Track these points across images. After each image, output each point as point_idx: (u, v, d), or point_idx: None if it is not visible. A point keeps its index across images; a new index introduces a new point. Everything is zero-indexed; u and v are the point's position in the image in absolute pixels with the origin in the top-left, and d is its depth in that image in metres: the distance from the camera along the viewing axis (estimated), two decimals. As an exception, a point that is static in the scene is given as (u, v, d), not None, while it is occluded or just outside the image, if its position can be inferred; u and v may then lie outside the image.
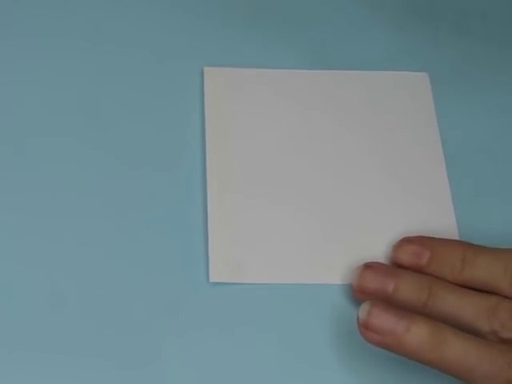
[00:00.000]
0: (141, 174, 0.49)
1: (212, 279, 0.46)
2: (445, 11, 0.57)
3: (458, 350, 0.41)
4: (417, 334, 0.41)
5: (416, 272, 0.45)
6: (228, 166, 0.49)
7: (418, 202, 0.49)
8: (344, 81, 0.53)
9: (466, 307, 0.43)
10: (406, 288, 0.44)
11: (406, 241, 0.46)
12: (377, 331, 0.42)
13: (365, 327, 0.42)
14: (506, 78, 0.54)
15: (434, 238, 0.46)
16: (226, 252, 0.47)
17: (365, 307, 0.43)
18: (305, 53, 0.54)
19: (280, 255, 0.47)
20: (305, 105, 0.52)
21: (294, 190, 0.49)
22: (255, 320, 0.45)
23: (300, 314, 0.46)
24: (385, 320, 0.42)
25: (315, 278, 0.47)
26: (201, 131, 0.51)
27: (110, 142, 0.50)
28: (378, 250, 0.47)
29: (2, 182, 0.48)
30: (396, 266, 0.46)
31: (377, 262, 0.46)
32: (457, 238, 0.48)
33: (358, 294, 0.45)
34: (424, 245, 0.46)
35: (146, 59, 0.53)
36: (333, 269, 0.47)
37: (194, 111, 0.51)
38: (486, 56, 0.55)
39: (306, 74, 0.53)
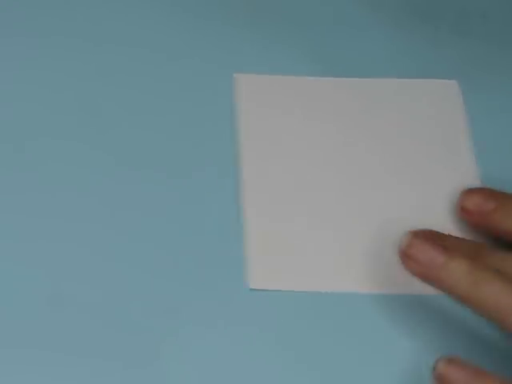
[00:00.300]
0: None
1: (252, 286, 0.46)
2: (445, 11, 0.56)
3: (495, 290, 0.40)
4: (455, 269, 0.41)
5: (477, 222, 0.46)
6: (263, 175, 0.49)
7: (449, 212, 0.49)
8: (373, 88, 0.53)
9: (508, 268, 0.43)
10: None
11: (471, 191, 0.47)
12: (416, 261, 0.42)
13: (405, 256, 0.43)
14: (506, 78, 0.54)
15: (499, 191, 0.46)
16: (264, 258, 0.47)
17: (407, 236, 0.43)
18: (305, 53, 0.54)
19: (318, 263, 0.47)
20: (333, 113, 0.52)
21: (330, 198, 0.49)
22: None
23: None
24: (424, 251, 0.42)
25: (353, 285, 0.46)
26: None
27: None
28: None
29: (2, 182, 0.48)
30: (461, 213, 0.47)
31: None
32: None
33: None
34: (490, 195, 0.46)
35: (146, 60, 0.53)
36: (370, 278, 0.46)
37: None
38: (486, 56, 0.55)
39: (335, 82, 0.53)
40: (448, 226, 0.48)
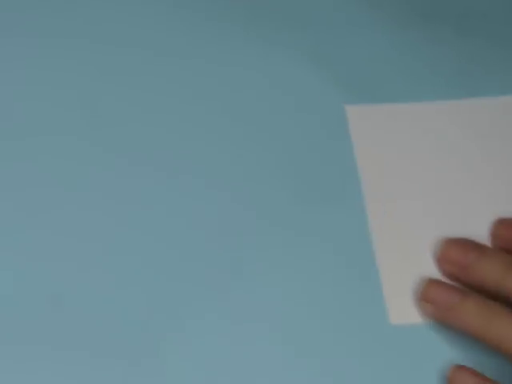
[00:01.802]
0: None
1: (393, 321, 0.45)
2: (446, 11, 0.57)
3: (507, 327, 0.42)
4: (468, 308, 0.43)
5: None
6: (389, 207, 0.48)
7: None
8: (489, 109, 0.51)
9: None
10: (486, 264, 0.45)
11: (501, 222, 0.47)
12: (433, 302, 0.45)
13: (422, 299, 0.45)
14: (506, 79, 0.54)
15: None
16: (402, 291, 0.46)
17: (423, 281, 0.45)
18: (304, 53, 0.54)
19: None
20: (451, 138, 0.50)
21: (463, 226, 0.48)
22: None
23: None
24: (440, 293, 0.45)
25: None
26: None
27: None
28: None
29: (3, 179, 0.48)
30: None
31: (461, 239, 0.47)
32: None
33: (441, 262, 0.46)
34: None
35: (145, 59, 0.53)
36: None
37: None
38: (487, 56, 0.55)
39: (450, 105, 0.51)
40: None
